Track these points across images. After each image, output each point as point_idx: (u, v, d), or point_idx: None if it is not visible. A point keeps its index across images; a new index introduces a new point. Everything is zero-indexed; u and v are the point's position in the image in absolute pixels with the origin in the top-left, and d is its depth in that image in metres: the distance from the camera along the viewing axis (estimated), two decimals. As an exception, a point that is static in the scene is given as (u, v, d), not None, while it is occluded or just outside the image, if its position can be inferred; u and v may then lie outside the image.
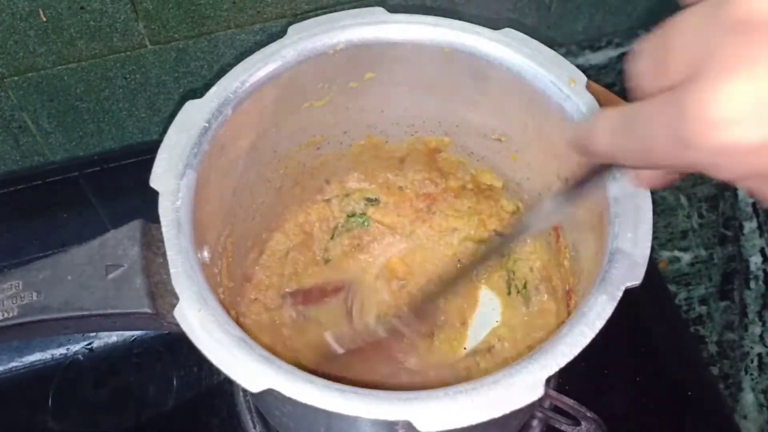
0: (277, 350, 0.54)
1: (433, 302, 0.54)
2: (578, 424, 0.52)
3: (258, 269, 0.60)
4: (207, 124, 0.47)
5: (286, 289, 0.60)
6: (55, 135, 0.71)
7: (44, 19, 0.61)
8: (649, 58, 0.29)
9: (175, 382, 0.62)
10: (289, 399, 0.37)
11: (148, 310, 0.43)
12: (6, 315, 0.43)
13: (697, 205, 0.72)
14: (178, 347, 0.63)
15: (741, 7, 0.25)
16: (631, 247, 0.42)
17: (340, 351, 0.55)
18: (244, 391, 0.53)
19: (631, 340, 0.62)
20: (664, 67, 0.28)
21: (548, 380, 0.38)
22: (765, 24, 0.24)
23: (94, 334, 0.64)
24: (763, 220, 0.71)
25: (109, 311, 0.43)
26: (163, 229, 0.43)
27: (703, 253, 0.69)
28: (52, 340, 0.64)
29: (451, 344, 0.60)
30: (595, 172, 0.36)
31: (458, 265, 0.61)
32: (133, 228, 0.45)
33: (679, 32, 0.27)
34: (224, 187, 0.51)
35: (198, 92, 0.48)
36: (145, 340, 0.64)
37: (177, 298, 0.40)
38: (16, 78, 0.65)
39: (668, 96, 0.27)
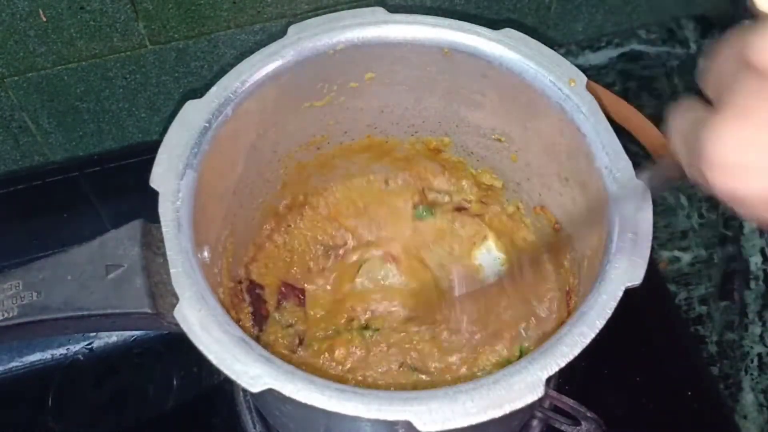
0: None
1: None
2: (578, 424, 0.52)
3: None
4: (207, 124, 0.47)
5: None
6: (55, 135, 0.71)
7: (44, 19, 0.61)
8: (705, 69, 0.29)
9: (175, 382, 0.62)
10: (289, 399, 0.37)
11: (149, 310, 0.43)
12: (6, 315, 0.43)
13: (697, 205, 0.72)
14: (178, 347, 0.62)
15: (764, 53, 0.24)
16: (631, 247, 0.42)
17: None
18: (244, 391, 0.53)
19: (631, 340, 0.62)
20: (709, 81, 0.28)
21: (548, 380, 0.38)
22: None
23: (94, 334, 0.64)
24: (763, 220, 0.71)
25: (110, 311, 0.43)
26: (163, 229, 0.43)
27: (703, 253, 0.69)
28: (52, 340, 0.64)
29: None
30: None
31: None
32: (133, 228, 0.45)
33: (722, 52, 0.27)
34: (224, 187, 0.51)
35: (198, 92, 0.48)
36: (145, 340, 0.64)
37: (177, 298, 0.40)
38: (16, 78, 0.65)
39: (702, 121, 0.27)
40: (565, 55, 0.66)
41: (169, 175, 0.45)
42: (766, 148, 0.25)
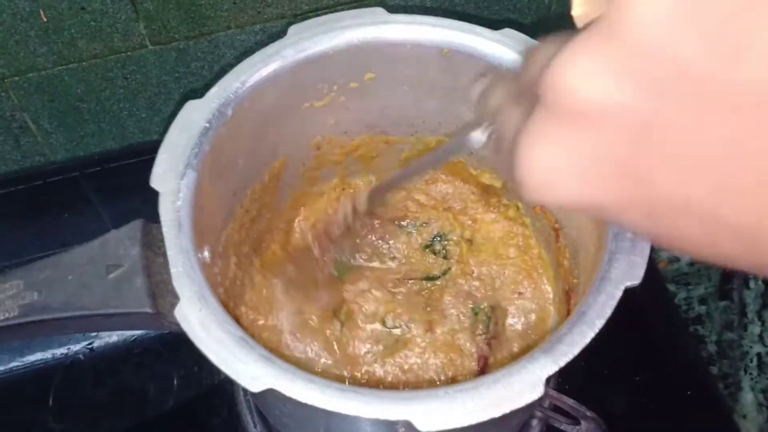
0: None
1: (380, 198, 0.53)
2: (578, 423, 0.52)
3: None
4: (208, 124, 0.47)
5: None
6: (55, 135, 0.71)
7: (45, 20, 0.61)
8: (520, 75, 0.30)
9: (175, 382, 0.62)
10: (290, 399, 0.37)
11: (149, 310, 0.43)
12: (7, 315, 0.43)
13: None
14: (179, 347, 0.63)
15: (551, 91, 0.25)
16: (630, 246, 0.43)
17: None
18: (245, 390, 0.53)
19: (631, 340, 0.62)
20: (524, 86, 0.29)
21: (548, 380, 0.38)
22: (570, 108, 0.25)
23: (95, 333, 0.64)
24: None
25: (110, 311, 0.43)
26: (164, 229, 0.43)
27: (702, 252, 0.69)
28: (53, 340, 0.64)
29: None
30: None
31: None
32: (133, 228, 0.45)
33: (533, 61, 0.28)
34: (224, 187, 0.51)
35: (198, 92, 0.48)
36: (146, 340, 0.64)
37: (177, 298, 0.40)
38: (16, 78, 0.65)
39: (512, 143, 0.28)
40: (565, 55, 0.66)
41: (169, 175, 0.45)
42: (562, 165, 0.26)
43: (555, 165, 0.26)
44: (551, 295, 0.59)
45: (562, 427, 0.53)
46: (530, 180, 0.27)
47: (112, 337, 0.64)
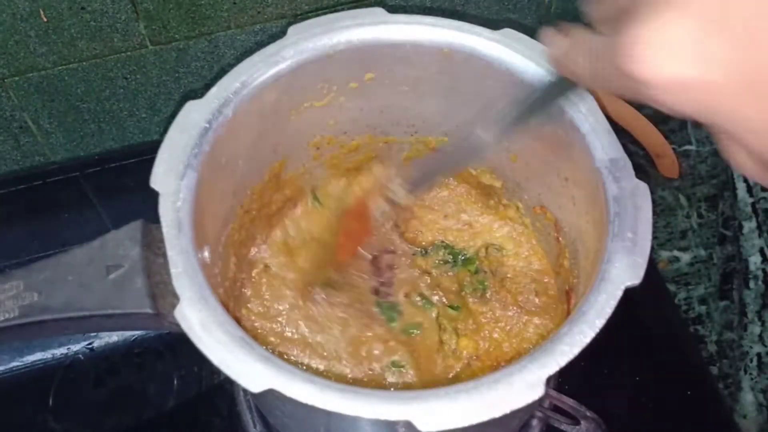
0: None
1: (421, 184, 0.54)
2: (578, 423, 0.52)
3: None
4: (207, 125, 0.47)
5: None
6: (55, 135, 0.71)
7: (45, 20, 0.61)
8: None
9: (175, 382, 0.62)
10: (290, 399, 0.37)
11: (149, 311, 0.43)
12: (7, 316, 0.43)
13: (697, 205, 0.72)
14: (179, 347, 0.63)
15: None
16: (630, 246, 0.43)
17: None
18: (245, 390, 0.53)
19: (630, 340, 0.62)
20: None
21: (548, 380, 0.38)
22: None
23: (95, 334, 0.64)
24: (762, 220, 0.71)
25: (110, 311, 0.43)
26: (164, 230, 0.43)
27: (702, 252, 0.69)
28: (53, 340, 0.64)
29: None
30: (551, 94, 0.39)
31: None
32: (133, 228, 0.45)
33: None
34: (224, 187, 0.52)
35: (198, 92, 0.49)
36: (146, 340, 0.64)
37: (178, 298, 0.40)
38: (16, 78, 0.65)
39: (614, 27, 0.28)
40: (565, 55, 0.66)
41: (169, 176, 0.45)
42: (690, 34, 0.25)
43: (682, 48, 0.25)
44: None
45: (562, 427, 0.53)
46: (649, 47, 0.26)
47: (112, 337, 0.64)
